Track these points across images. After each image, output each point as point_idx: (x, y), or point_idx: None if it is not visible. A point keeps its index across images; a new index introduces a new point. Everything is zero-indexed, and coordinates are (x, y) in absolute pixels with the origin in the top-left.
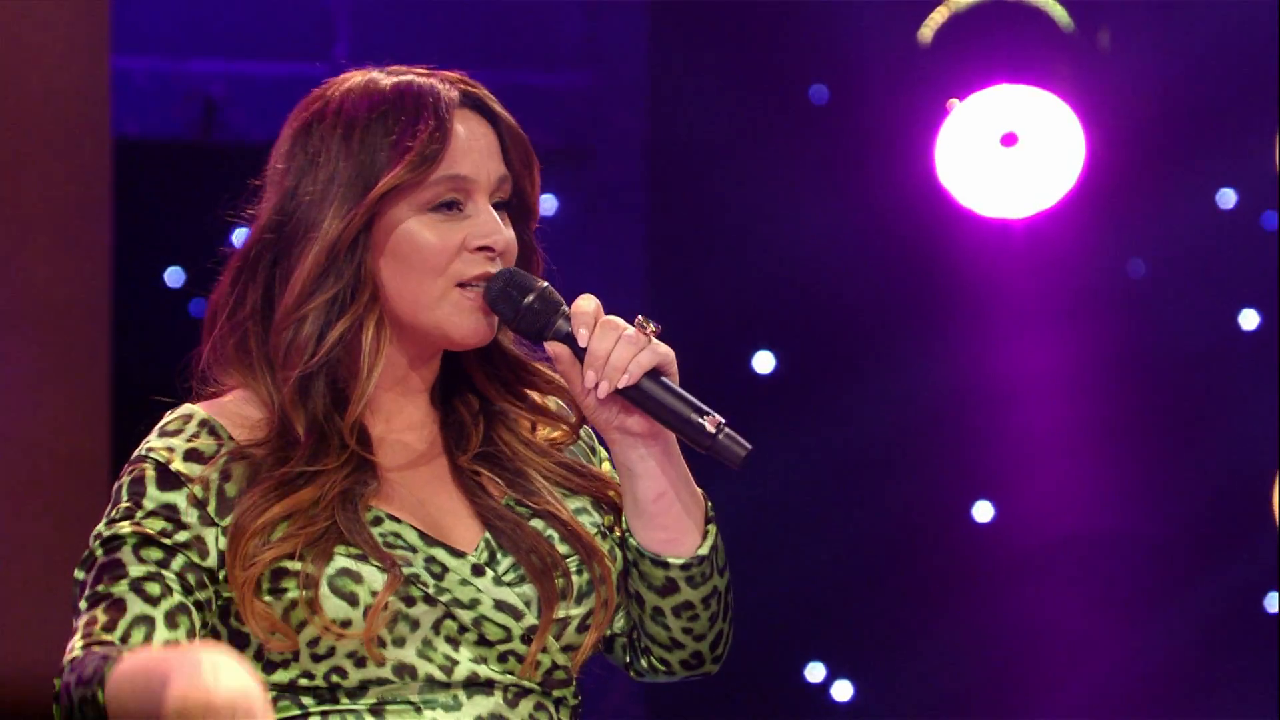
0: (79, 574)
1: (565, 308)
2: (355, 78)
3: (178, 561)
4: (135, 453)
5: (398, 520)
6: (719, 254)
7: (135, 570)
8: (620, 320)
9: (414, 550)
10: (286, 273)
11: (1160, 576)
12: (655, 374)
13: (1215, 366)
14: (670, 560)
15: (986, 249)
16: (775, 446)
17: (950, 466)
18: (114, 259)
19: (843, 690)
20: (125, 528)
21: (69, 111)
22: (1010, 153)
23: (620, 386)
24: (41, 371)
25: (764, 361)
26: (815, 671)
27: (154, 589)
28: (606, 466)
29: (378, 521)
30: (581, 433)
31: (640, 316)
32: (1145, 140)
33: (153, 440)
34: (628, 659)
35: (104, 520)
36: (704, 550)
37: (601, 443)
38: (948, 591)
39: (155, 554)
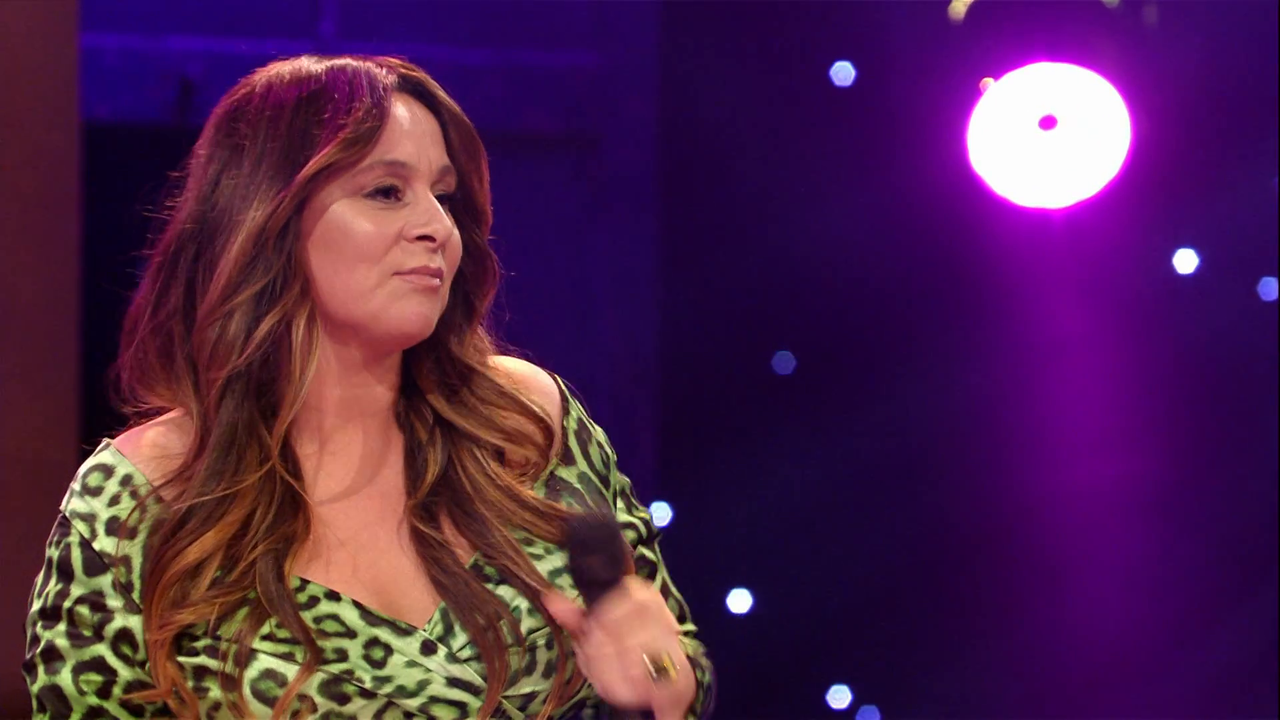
0: (26, 675)
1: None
2: (284, 65)
3: (119, 686)
4: (61, 508)
5: (336, 598)
6: (735, 247)
7: (78, 705)
8: (648, 653)
9: (352, 635)
10: (210, 265)
11: (1210, 592)
12: (645, 712)
13: (1270, 367)
14: None
15: (1023, 241)
16: (796, 453)
17: (981, 475)
18: (82, 252)
19: (868, 717)
20: (60, 637)
21: (34, 93)
22: (1049, 137)
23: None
24: (6, 372)
25: (784, 362)
26: (839, 696)
27: None
28: (617, 477)
29: (314, 602)
30: (597, 455)
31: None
32: (1195, 122)
33: (75, 500)
34: None
35: (38, 602)
36: None
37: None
38: (980, 610)
39: (95, 680)
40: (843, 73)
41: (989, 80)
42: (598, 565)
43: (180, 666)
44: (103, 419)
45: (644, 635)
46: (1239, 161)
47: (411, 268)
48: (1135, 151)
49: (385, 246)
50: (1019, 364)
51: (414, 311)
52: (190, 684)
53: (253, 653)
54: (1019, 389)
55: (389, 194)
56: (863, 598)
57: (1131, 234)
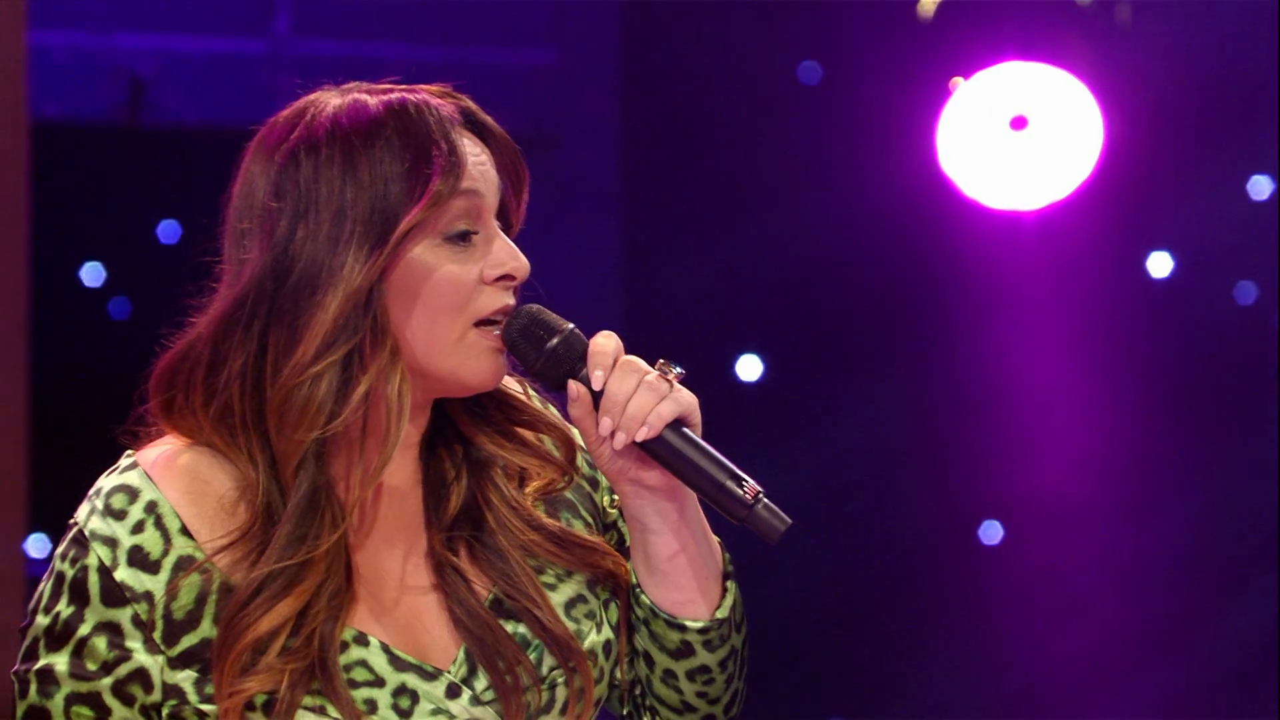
0: (16, 683)
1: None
2: (332, 99)
3: None
4: (75, 524)
5: (365, 643)
6: (699, 249)
7: None
8: (641, 363)
9: (381, 684)
10: (294, 325)
11: (1187, 600)
12: (678, 425)
13: (1247, 372)
14: (687, 624)
15: (994, 244)
16: (761, 461)
17: (954, 484)
18: (31, 252)
19: None
20: (62, 663)
21: None
22: (1020, 137)
23: (639, 439)
24: None
25: (749, 367)
26: (807, 715)
27: None
28: (606, 499)
29: (344, 647)
30: (580, 457)
31: (662, 360)
32: (1169, 123)
33: (96, 519)
34: (626, 711)
35: (45, 617)
36: (723, 613)
37: None
38: (952, 623)
39: (87, 714)
40: (809, 71)
41: (959, 79)
42: (560, 344)
43: None
44: (51, 421)
45: (635, 363)
46: (1213, 162)
47: (492, 311)
48: (1108, 152)
49: (469, 292)
50: (990, 370)
51: (489, 369)
52: None
53: (295, 711)
54: (990, 395)
55: (464, 238)
56: (831, 612)
57: (1104, 236)
